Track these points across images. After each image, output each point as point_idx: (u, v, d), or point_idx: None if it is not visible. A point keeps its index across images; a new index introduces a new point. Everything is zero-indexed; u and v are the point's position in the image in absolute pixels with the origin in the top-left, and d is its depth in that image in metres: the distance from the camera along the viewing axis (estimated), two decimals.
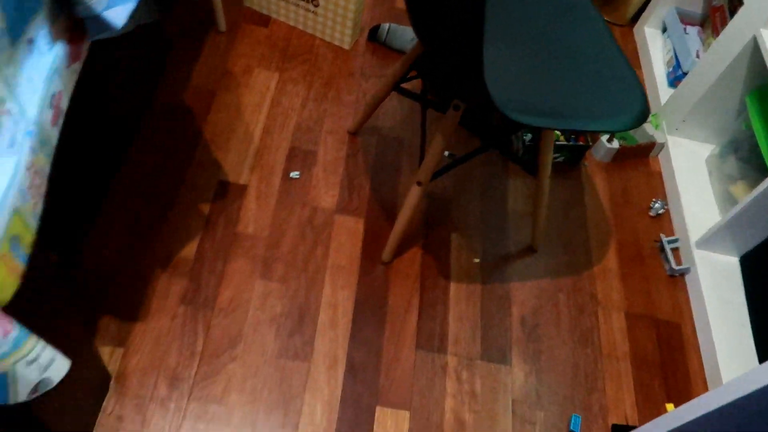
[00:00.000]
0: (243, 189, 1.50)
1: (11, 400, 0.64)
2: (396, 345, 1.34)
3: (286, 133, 1.64)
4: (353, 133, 1.68)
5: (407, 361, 1.33)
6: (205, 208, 1.45)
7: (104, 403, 1.14)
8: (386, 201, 1.56)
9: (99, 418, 1.13)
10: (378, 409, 1.25)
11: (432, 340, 1.36)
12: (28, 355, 0.62)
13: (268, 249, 1.41)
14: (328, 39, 1.87)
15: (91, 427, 1.11)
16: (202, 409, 1.18)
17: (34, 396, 0.66)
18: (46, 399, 0.87)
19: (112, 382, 1.17)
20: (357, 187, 1.57)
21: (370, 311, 1.37)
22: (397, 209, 1.55)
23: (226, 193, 1.49)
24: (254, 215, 1.46)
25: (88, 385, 1.11)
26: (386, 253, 1.43)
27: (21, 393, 0.64)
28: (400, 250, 1.48)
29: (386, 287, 1.41)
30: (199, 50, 1.75)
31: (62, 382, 0.77)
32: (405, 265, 1.46)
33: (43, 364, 0.65)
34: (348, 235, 1.48)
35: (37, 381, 0.65)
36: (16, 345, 0.60)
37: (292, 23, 1.88)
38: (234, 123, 1.62)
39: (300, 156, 1.60)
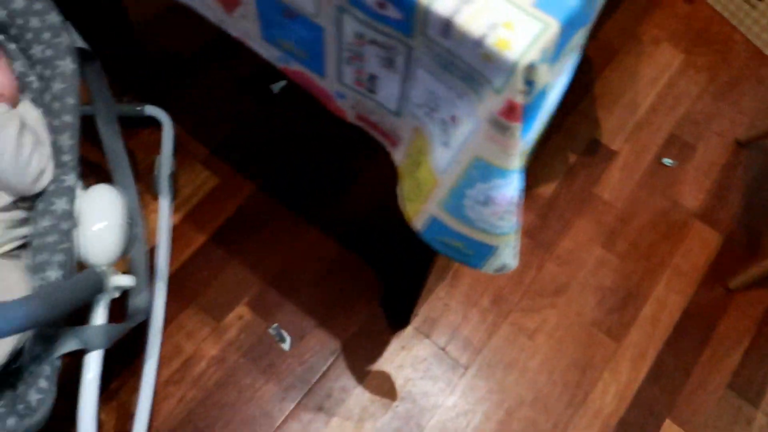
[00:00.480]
0: (612, 154, 1.49)
1: (481, 268, 0.74)
2: (709, 372, 1.26)
3: (671, 117, 1.56)
4: (742, 144, 1.54)
5: (714, 393, 1.25)
6: (572, 158, 1.47)
7: (437, 288, 1.28)
8: (754, 228, 1.43)
9: (430, 297, 1.27)
10: (667, 422, 1.21)
11: (748, 387, 1.26)
12: (513, 241, 0.70)
13: (617, 221, 1.40)
14: (751, 37, 1.70)
15: (423, 301, 1.25)
16: (513, 335, 1.25)
17: (496, 273, 0.75)
18: (432, 264, 1.00)
19: (449, 275, 1.29)
20: (726, 200, 1.46)
21: (695, 327, 1.30)
22: (763, 240, 1.42)
23: (596, 151, 1.49)
24: (615, 184, 1.45)
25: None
26: (737, 281, 1.33)
27: (491, 266, 0.73)
28: (752, 284, 1.36)
29: (721, 313, 1.32)
30: (616, 7, 1.72)
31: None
32: (750, 301, 1.34)
33: (512, 253, 0.73)
34: (700, 243, 1.40)
35: (503, 264, 0.73)
36: (512, 230, 0.69)
37: (718, 8, 1.74)
38: (625, 88, 1.59)
39: (677, 145, 1.52)
